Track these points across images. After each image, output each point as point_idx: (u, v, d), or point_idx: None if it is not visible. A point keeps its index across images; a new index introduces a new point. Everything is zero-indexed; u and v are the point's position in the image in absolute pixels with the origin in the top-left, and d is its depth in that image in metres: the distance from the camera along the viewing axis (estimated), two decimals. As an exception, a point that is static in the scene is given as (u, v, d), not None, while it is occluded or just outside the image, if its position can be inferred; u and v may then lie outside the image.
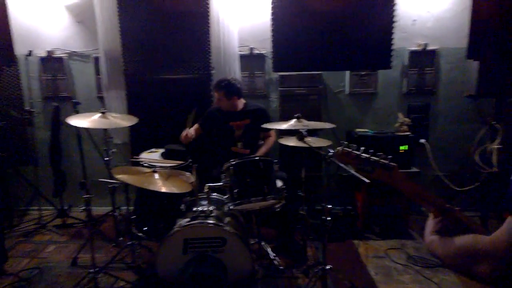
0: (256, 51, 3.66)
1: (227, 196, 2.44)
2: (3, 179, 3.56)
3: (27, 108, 3.73)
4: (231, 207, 2.37)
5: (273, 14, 3.32)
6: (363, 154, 1.16)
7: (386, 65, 3.41)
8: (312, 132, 2.86)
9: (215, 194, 2.62)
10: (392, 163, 1.14)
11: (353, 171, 2.21)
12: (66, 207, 3.72)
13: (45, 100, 3.84)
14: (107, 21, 3.49)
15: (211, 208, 2.35)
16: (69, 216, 3.69)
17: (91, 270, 2.36)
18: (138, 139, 3.62)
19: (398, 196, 3.28)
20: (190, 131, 3.00)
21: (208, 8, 3.40)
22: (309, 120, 2.66)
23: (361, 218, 3.36)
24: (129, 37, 3.46)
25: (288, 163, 3.22)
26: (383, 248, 3.07)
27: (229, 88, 3.02)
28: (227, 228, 2.25)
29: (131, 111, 3.60)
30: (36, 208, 3.79)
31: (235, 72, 3.54)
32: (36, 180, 3.77)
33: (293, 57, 3.41)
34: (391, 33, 3.32)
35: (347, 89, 3.72)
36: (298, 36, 3.36)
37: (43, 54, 3.72)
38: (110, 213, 3.07)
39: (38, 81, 3.80)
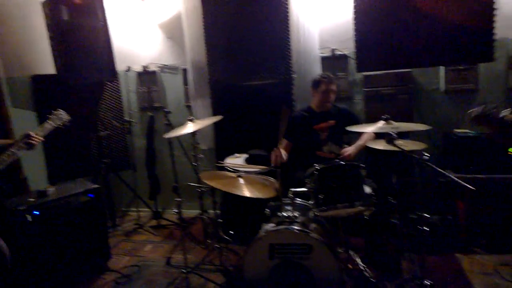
0: (338, 52, 3.55)
1: (312, 201, 2.37)
2: (107, 183, 3.96)
3: (126, 118, 4.13)
4: (316, 213, 2.31)
5: (355, 12, 3.17)
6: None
7: (488, 57, 3.01)
8: (403, 134, 2.65)
9: (300, 199, 2.57)
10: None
11: (453, 177, 2.00)
12: (160, 209, 4.02)
13: (141, 110, 4.21)
14: (194, 35, 3.70)
15: (296, 214, 2.32)
16: (162, 218, 3.97)
17: (183, 270, 2.48)
18: (223, 144, 3.75)
19: (510, 205, 2.86)
20: (282, 154, 2.73)
21: (287, 12, 3.39)
22: (398, 121, 2.48)
23: (464, 229, 3.01)
24: (213, 48, 3.61)
25: (377, 168, 3.02)
26: (492, 263, 2.71)
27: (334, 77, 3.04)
28: (313, 235, 2.19)
29: (215, 118, 3.75)
30: (134, 209, 4.15)
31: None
32: (134, 183, 4.13)
33: (378, 55, 3.21)
34: (492, 22, 2.93)
35: (442, 86, 3.39)
36: (383, 32, 3.15)
37: (139, 69, 4.09)
38: (199, 216, 3.22)
39: (136, 94, 4.19)
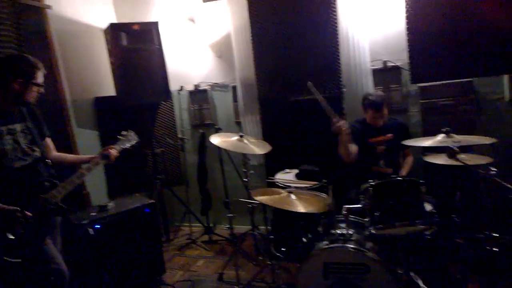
0: (390, 64, 3.44)
1: (367, 219, 2.28)
2: (161, 198, 4.10)
3: (179, 136, 4.28)
4: (372, 232, 2.20)
5: (408, 22, 3.07)
6: None
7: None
8: (466, 148, 2.48)
9: (353, 216, 2.48)
10: None
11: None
12: (211, 225, 4.07)
13: (193, 128, 4.35)
14: (243, 53, 3.79)
15: (350, 231, 2.24)
16: (214, 233, 4.02)
17: (235, 287, 2.48)
18: (273, 160, 3.75)
19: None
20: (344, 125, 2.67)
21: (336, 25, 3.36)
22: (459, 134, 2.33)
23: (539, 251, 2.72)
24: (261, 64, 3.68)
25: (437, 184, 2.85)
26: None
27: (383, 102, 2.87)
28: (370, 254, 2.09)
29: (265, 134, 3.77)
30: (187, 224, 4.24)
31: (368, 88, 3.38)
32: (187, 199, 4.24)
33: (434, 65, 3.08)
34: None
35: (506, 96, 3.14)
36: (439, 41, 3.02)
37: (191, 88, 4.25)
38: (250, 231, 3.21)
39: (188, 112, 4.34)
